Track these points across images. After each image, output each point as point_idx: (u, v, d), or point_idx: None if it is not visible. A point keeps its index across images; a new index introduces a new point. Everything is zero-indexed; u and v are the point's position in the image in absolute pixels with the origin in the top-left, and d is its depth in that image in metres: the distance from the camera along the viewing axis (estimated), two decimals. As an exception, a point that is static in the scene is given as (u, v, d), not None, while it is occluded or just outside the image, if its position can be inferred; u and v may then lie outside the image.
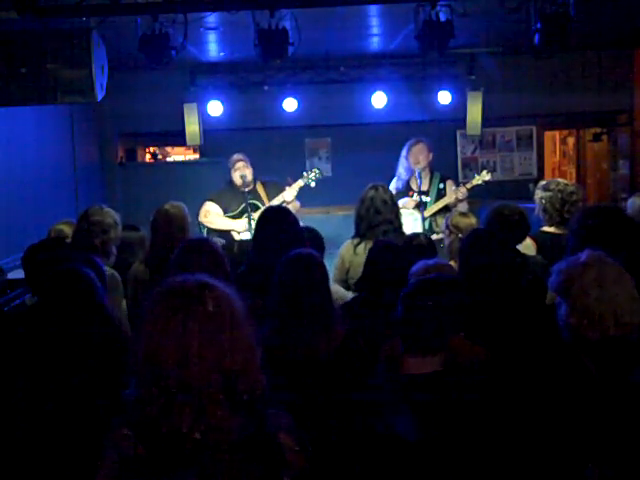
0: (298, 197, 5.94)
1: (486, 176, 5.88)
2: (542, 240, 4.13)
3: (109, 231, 3.88)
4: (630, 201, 4.50)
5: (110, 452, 1.59)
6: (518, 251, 3.83)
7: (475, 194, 5.89)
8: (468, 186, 5.77)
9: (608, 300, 2.08)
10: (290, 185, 5.91)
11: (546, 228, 4.27)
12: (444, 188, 5.85)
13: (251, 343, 1.65)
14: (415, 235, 4.12)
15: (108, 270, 3.71)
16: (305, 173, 6.01)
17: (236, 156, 5.94)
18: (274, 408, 1.69)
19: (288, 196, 5.81)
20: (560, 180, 4.45)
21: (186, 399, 1.54)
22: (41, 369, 2.42)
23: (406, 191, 5.81)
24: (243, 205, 5.75)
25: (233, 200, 5.85)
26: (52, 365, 2.40)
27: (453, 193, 5.71)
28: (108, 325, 2.59)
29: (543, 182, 4.45)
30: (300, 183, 5.91)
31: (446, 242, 4.21)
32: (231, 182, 5.92)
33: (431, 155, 5.87)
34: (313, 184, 6.00)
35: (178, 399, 1.54)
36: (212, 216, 5.83)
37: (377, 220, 4.23)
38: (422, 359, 2.22)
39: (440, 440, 2.11)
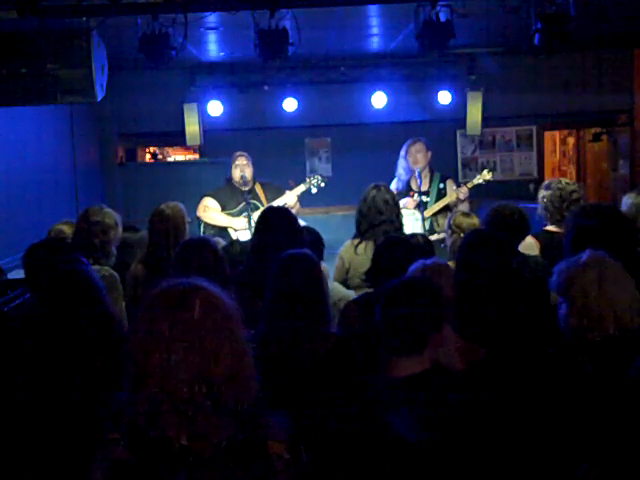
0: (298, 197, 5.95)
1: (487, 175, 5.88)
2: (544, 239, 4.13)
3: (109, 232, 3.88)
4: (624, 199, 4.48)
5: (101, 456, 1.59)
6: (518, 251, 3.83)
7: (475, 194, 5.89)
8: (469, 185, 5.76)
9: (608, 300, 2.08)
10: (291, 188, 5.92)
11: (549, 227, 4.28)
12: (444, 188, 5.84)
13: (242, 348, 1.62)
14: (413, 235, 4.12)
15: (107, 270, 3.72)
16: (307, 178, 6.04)
17: (239, 153, 5.97)
18: (272, 411, 1.68)
19: (290, 200, 5.82)
20: (562, 179, 4.45)
21: (170, 406, 1.53)
22: (43, 369, 2.42)
23: (406, 191, 5.80)
24: (242, 204, 5.75)
25: (232, 198, 5.85)
26: (54, 365, 2.40)
27: (454, 193, 5.70)
28: (111, 325, 2.59)
29: (547, 181, 4.47)
30: (302, 188, 5.93)
31: (448, 242, 4.22)
32: (230, 179, 5.94)
33: (430, 154, 5.87)
34: (315, 190, 6.02)
35: (162, 406, 1.53)
36: (211, 211, 5.84)
37: (378, 220, 4.24)
38: (406, 359, 2.23)
39: (439, 440, 2.11)
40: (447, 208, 5.68)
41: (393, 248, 3.40)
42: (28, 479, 2.25)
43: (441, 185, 5.85)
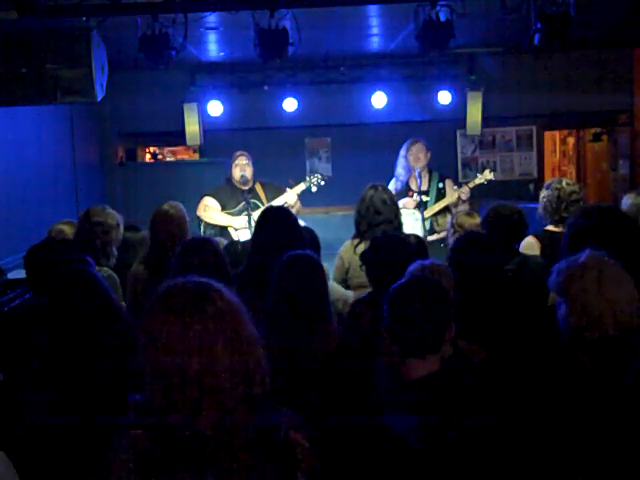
0: (298, 197, 5.96)
1: (489, 175, 5.87)
2: (545, 239, 4.14)
3: (110, 232, 3.88)
4: (624, 199, 4.49)
5: (123, 453, 1.56)
6: (518, 251, 3.84)
7: (476, 194, 5.90)
8: (471, 185, 5.77)
9: (607, 300, 2.08)
10: (291, 187, 5.93)
11: (549, 227, 4.28)
12: (444, 187, 5.85)
13: (258, 340, 1.64)
14: (407, 236, 4.12)
15: (106, 271, 3.72)
16: (307, 177, 6.04)
17: (239, 152, 5.99)
18: (279, 407, 1.69)
19: (290, 199, 5.82)
20: (564, 179, 4.45)
21: (213, 403, 1.52)
22: (53, 370, 2.42)
23: (405, 192, 5.81)
24: (242, 204, 5.76)
25: (232, 198, 5.86)
26: (66, 365, 2.41)
27: (455, 193, 5.71)
28: (123, 326, 2.59)
29: (548, 181, 4.48)
30: (302, 187, 5.94)
31: (450, 241, 4.22)
32: (230, 179, 5.94)
33: (429, 155, 5.88)
34: (314, 189, 6.04)
35: (205, 404, 1.52)
36: (211, 211, 5.84)
37: (377, 220, 4.24)
38: (422, 360, 2.21)
39: (439, 441, 2.11)
40: (446, 208, 5.69)
41: (382, 247, 3.39)
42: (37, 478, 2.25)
43: (440, 185, 5.86)
